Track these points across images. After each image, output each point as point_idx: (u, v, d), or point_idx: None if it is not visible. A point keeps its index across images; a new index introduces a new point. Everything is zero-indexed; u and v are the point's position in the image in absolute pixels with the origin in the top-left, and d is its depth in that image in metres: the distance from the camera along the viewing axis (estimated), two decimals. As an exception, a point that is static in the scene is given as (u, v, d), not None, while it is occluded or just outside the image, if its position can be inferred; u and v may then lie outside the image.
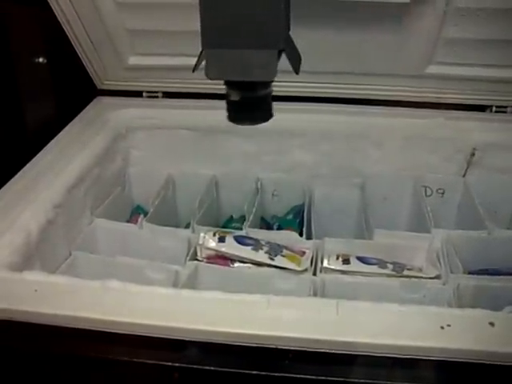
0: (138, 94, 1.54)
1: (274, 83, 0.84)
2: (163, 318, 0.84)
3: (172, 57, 1.42)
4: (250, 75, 0.80)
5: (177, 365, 0.81)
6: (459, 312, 0.88)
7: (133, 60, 1.47)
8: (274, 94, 0.86)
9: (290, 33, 0.83)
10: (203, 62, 0.82)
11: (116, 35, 1.39)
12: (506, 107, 1.41)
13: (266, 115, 0.88)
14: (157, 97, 1.54)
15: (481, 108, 1.42)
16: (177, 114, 1.48)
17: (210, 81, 1.36)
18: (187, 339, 0.82)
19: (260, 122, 0.88)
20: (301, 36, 0.85)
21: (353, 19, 1.25)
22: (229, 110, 0.88)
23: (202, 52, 0.82)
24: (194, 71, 0.85)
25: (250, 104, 0.86)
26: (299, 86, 1.40)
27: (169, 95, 1.54)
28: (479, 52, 1.30)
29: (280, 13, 0.76)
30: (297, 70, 0.84)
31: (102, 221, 1.28)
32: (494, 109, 1.42)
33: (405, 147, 1.41)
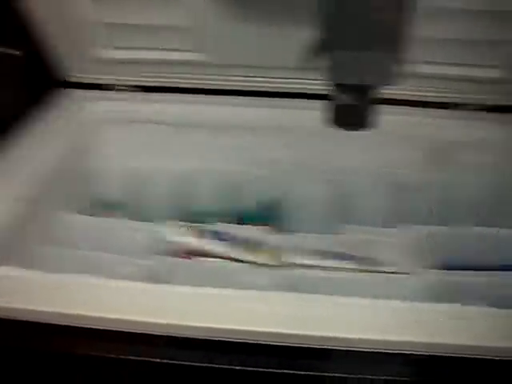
0: (110, 87, 1.52)
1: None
2: (135, 313, 0.83)
3: (147, 50, 1.39)
4: (374, 79, 0.78)
5: (146, 359, 0.81)
6: (431, 307, 0.88)
7: (106, 53, 1.45)
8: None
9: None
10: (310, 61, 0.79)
11: (90, 27, 1.37)
12: (484, 106, 1.42)
13: (370, 121, 0.86)
14: (130, 90, 1.52)
15: (458, 106, 1.43)
16: (150, 108, 1.47)
17: (185, 75, 1.35)
18: (158, 334, 0.82)
19: (365, 129, 0.86)
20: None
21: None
22: (336, 113, 0.85)
23: (308, 51, 0.79)
24: (301, 71, 0.81)
25: (358, 109, 0.83)
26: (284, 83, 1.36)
27: (142, 89, 1.51)
28: (458, 52, 1.30)
29: (405, 16, 0.75)
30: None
31: (74, 216, 1.27)
32: (471, 107, 1.42)
33: (381, 143, 1.41)
